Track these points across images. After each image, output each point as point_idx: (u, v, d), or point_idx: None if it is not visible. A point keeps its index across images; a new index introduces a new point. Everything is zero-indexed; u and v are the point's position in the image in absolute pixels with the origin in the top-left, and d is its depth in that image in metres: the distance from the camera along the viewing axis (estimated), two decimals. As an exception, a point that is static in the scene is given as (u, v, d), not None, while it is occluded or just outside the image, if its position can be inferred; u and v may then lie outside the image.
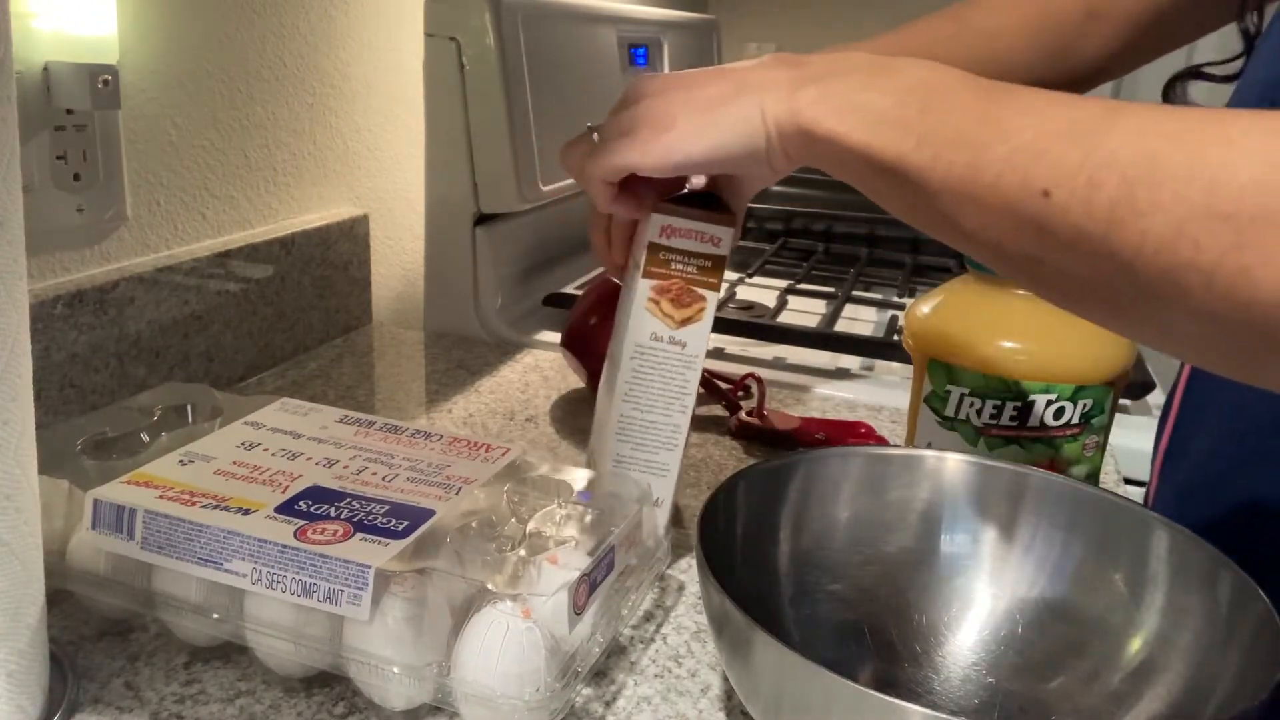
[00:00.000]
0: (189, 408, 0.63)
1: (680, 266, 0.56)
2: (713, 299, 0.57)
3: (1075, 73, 0.69)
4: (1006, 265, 0.40)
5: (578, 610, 0.47)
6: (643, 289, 0.56)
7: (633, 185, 0.53)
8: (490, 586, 0.46)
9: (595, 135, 0.53)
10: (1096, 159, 0.35)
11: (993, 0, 0.70)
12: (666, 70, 1.39)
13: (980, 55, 0.68)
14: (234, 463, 0.54)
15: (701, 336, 0.57)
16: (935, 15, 0.70)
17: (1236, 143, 0.32)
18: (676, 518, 0.68)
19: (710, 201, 0.58)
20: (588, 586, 0.48)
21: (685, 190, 0.58)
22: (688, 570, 0.62)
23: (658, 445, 0.58)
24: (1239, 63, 0.58)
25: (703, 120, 0.48)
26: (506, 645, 0.44)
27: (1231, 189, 0.31)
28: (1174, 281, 0.33)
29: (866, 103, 0.43)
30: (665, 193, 0.56)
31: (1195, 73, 0.63)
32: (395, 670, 0.45)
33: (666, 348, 0.57)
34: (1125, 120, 0.35)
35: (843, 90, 0.44)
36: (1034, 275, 0.39)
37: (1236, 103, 0.56)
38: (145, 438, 0.59)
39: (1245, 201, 0.31)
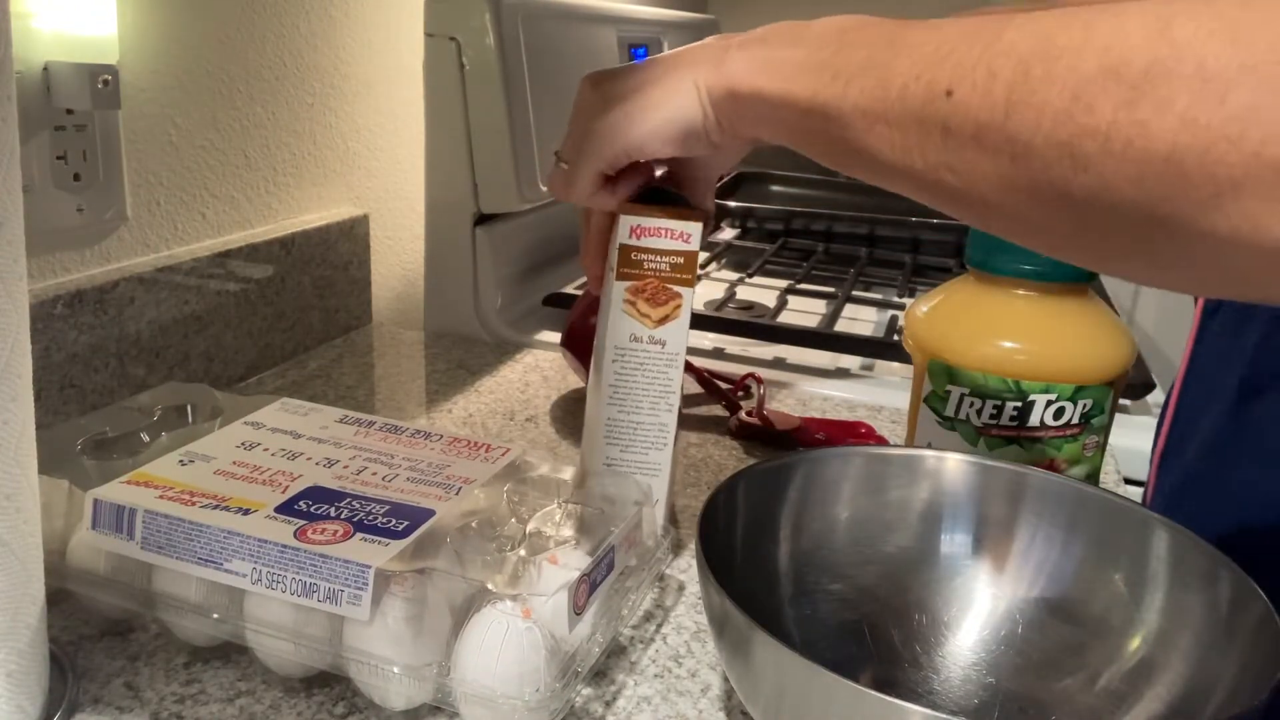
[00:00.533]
0: (189, 408, 0.63)
1: (653, 265, 0.57)
2: (688, 295, 0.57)
3: None
4: (921, 186, 0.40)
5: (578, 610, 0.47)
6: (618, 291, 0.57)
7: (610, 188, 0.56)
8: (490, 586, 0.46)
9: (557, 156, 0.56)
10: (995, 50, 0.35)
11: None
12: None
13: None
14: (234, 463, 0.54)
15: (680, 333, 0.57)
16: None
17: (1129, 13, 0.32)
18: (674, 516, 0.68)
19: (679, 201, 0.58)
20: (588, 586, 0.48)
21: (652, 189, 0.58)
22: (688, 570, 0.62)
23: (647, 445, 0.59)
24: None
25: (642, 102, 0.50)
26: (506, 645, 0.44)
27: (1124, 49, 0.31)
28: (1072, 152, 0.33)
29: (787, 56, 0.45)
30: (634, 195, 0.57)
31: None
32: (395, 670, 0.45)
33: (647, 348, 0.57)
34: (1025, 16, 0.36)
35: (765, 50, 0.46)
36: (949, 191, 0.39)
37: None
38: (145, 438, 0.59)
39: (1137, 57, 0.31)
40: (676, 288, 0.57)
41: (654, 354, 0.57)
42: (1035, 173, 0.34)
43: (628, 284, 0.57)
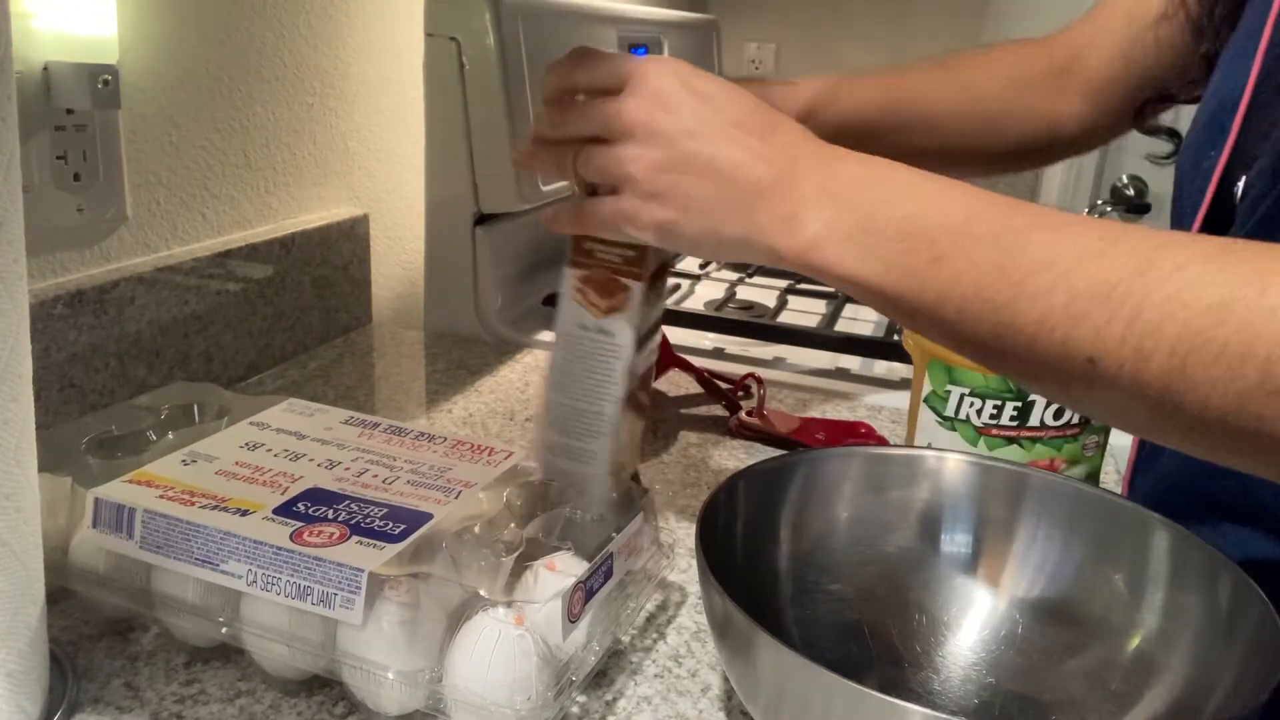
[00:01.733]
0: (196, 407, 0.63)
1: (604, 256, 0.57)
2: (637, 289, 0.57)
3: (1057, 136, 0.70)
4: (1063, 403, 0.41)
5: (572, 618, 0.47)
6: (569, 278, 0.57)
7: None
8: (483, 593, 0.46)
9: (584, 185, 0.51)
10: (1140, 330, 0.35)
11: (973, 55, 0.71)
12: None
13: (964, 109, 0.69)
14: (236, 463, 0.54)
15: (628, 326, 0.57)
16: (929, 62, 0.71)
17: (1273, 292, 0.33)
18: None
19: None
20: (583, 594, 0.48)
21: None
22: (687, 570, 0.62)
23: (584, 433, 0.59)
24: (1203, 86, 0.59)
25: (705, 231, 0.46)
26: (498, 652, 0.44)
27: None
28: (1245, 440, 0.34)
29: (873, 245, 0.41)
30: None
31: (1163, 96, 0.64)
32: (388, 676, 0.45)
33: (593, 337, 0.58)
34: (1163, 283, 0.35)
35: (847, 229, 0.42)
36: (1096, 414, 0.40)
37: (1193, 127, 0.57)
38: (152, 436, 0.59)
39: None
40: (626, 280, 0.57)
41: (599, 343, 0.58)
42: (1205, 436, 0.36)
43: (579, 272, 0.57)
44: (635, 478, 0.65)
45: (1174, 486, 0.58)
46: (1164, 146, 0.69)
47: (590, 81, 0.49)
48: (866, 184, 0.43)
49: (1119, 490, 0.75)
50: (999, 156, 0.71)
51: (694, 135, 0.45)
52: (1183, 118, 0.61)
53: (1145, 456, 0.63)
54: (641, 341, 0.58)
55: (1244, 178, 0.51)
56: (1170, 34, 0.64)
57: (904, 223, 0.41)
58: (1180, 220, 0.57)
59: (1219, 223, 0.53)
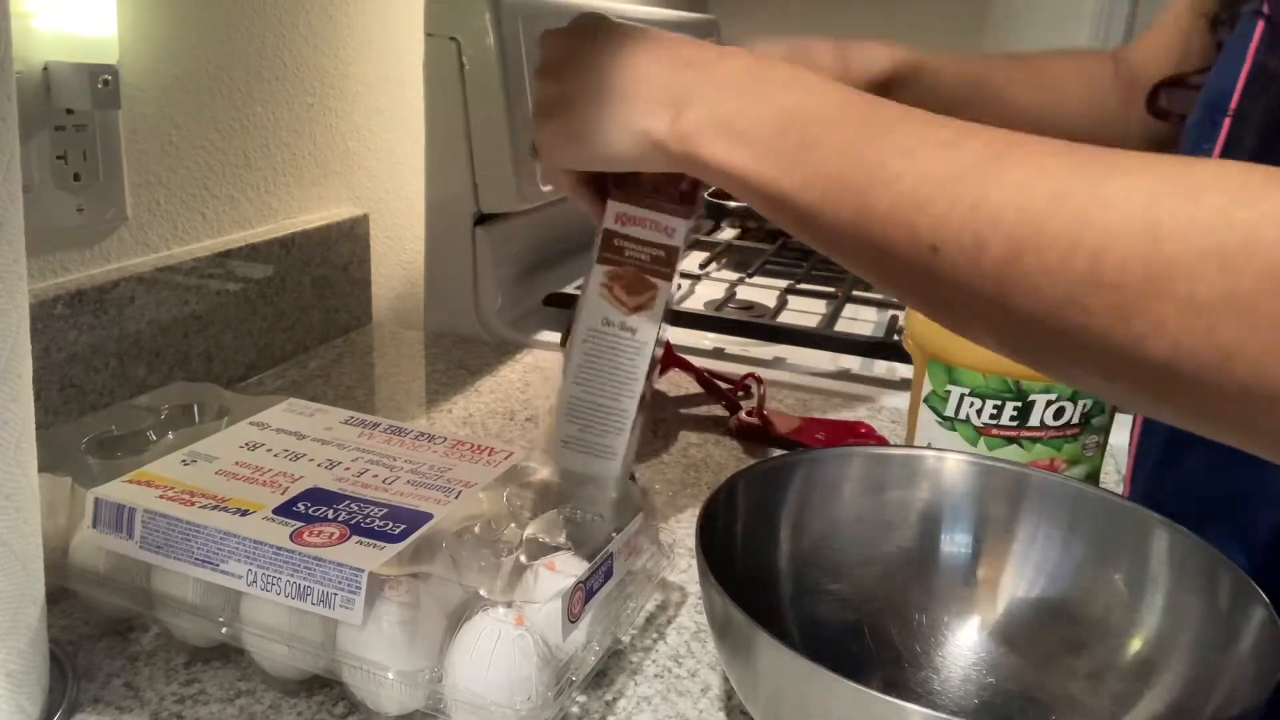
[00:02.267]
0: (196, 407, 0.63)
1: (633, 254, 0.57)
2: (665, 288, 0.58)
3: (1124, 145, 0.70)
4: (908, 300, 0.42)
5: (572, 618, 0.47)
6: (597, 274, 0.58)
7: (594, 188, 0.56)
8: (483, 593, 0.46)
9: (533, 149, 0.55)
10: (981, 215, 0.35)
11: (1054, 58, 0.72)
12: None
13: (1047, 111, 0.69)
14: (236, 463, 0.54)
15: (652, 324, 0.58)
16: (1011, 57, 0.71)
17: (1116, 205, 0.32)
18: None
19: (671, 190, 0.58)
20: (584, 594, 0.48)
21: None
22: (687, 570, 0.62)
23: (605, 429, 0.59)
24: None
25: (596, 125, 0.49)
26: (498, 653, 0.44)
27: (1113, 259, 0.32)
28: (1070, 340, 0.34)
29: (748, 130, 0.43)
30: (625, 178, 0.58)
31: (1176, 81, 0.64)
32: (388, 676, 0.45)
33: (618, 333, 0.58)
34: (1008, 170, 0.35)
35: (723, 114, 0.44)
36: (936, 312, 0.40)
37: (1194, 115, 0.57)
38: (152, 436, 0.59)
39: (1129, 273, 0.32)
40: (654, 279, 0.57)
41: (624, 340, 0.58)
42: (1035, 335, 0.35)
43: (606, 269, 0.58)
44: (632, 476, 0.65)
45: (1175, 485, 0.58)
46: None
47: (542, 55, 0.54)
48: (748, 77, 0.44)
49: (1119, 490, 0.75)
50: None
51: (583, 62, 0.50)
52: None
53: (1143, 455, 0.63)
54: (660, 333, 0.59)
55: None
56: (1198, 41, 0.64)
57: (779, 114, 0.43)
58: None
59: None
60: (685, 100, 0.45)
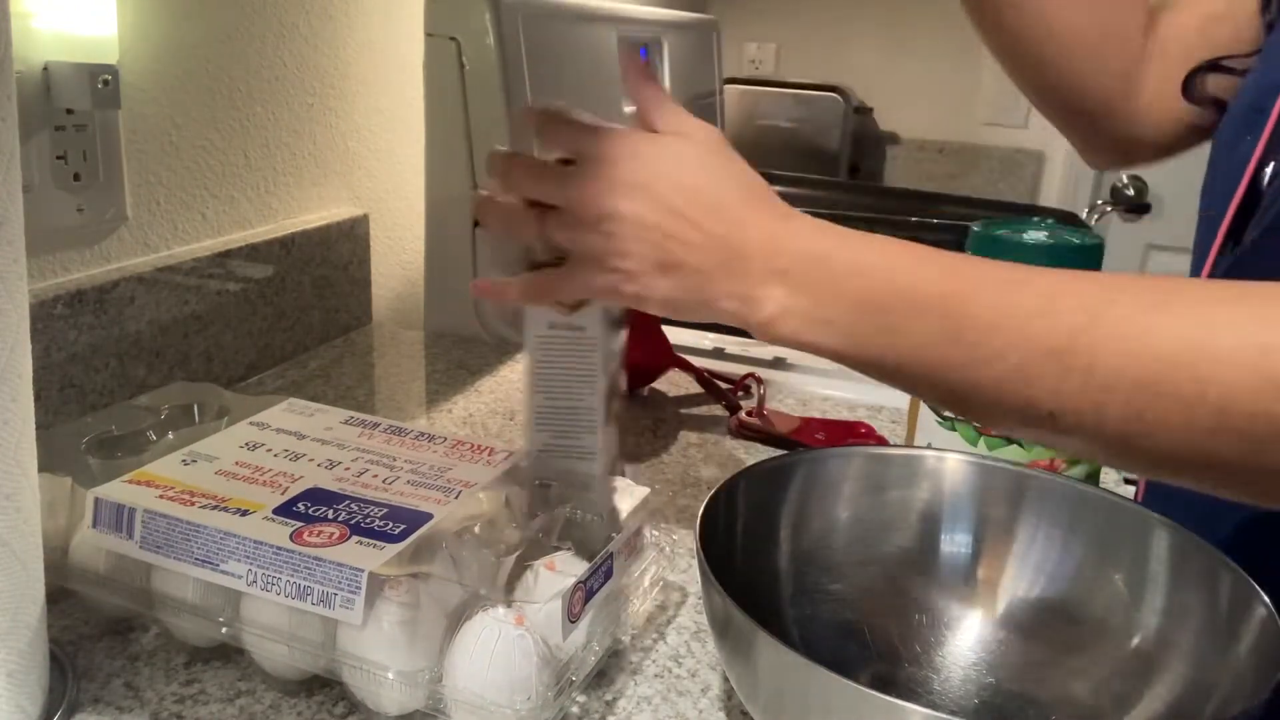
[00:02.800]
0: (196, 407, 0.63)
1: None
2: None
3: (1113, 112, 0.68)
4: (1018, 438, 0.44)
5: (572, 618, 0.47)
6: None
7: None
8: (483, 592, 0.46)
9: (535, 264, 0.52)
10: (1094, 384, 0.37)
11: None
12: (666, 78, 1.39)
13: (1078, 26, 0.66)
14: (236, 463, 0.54)
15: (598, 319, 0.57)
16: None
17: (1233, 360, 0.34)
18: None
19: None
20: (583, 594, 0.48)
21: None
22: (688, 570, 0.62)
23: (577, 430, 0.59)
24: (1254, 60, 0.58)
25: (672, 303, 0.47)
26: (497, 653, 0.44)
27: (1240, 412, 0.34)
28: (1202, 473, 0.37)
29: (830, 322, 0.43)
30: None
31: (1214, 65, 0.63)
32: (388, 675, 0.45)
33: (566, 334, 0.58)
34: (1108, 338, 0.37)
35: (803, 307, 0.44)
36: (1058, 447, 0.42)
37: (1235, 104, 0.56)
38: (152, 436, 0.59)
39: (1257, 423, 0.34)
40: None
41: (574, 340, 0.58)
42: (1161, 471, 0.39)
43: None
44: (621, 471, 0.65)
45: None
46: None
47: (556, 148, 0.51)
48: (813, 260, 0.44)
49: (1121, 490, 0.75)
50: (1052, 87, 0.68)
51: (645, 228, 0.46)
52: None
53: None
54: (611, 323, 0.58)
55: (1272, 164, 0.51)
56: (1245, 18, 0.61)
57: (855, 294, 0.42)
58: (1211, 200, 0.56)
59: (1249, 208, 0.53)
60: (757, 291, 0.44)
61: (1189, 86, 0.64)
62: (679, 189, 0.46)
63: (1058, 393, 0.37)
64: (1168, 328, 0.36)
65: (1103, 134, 0.69)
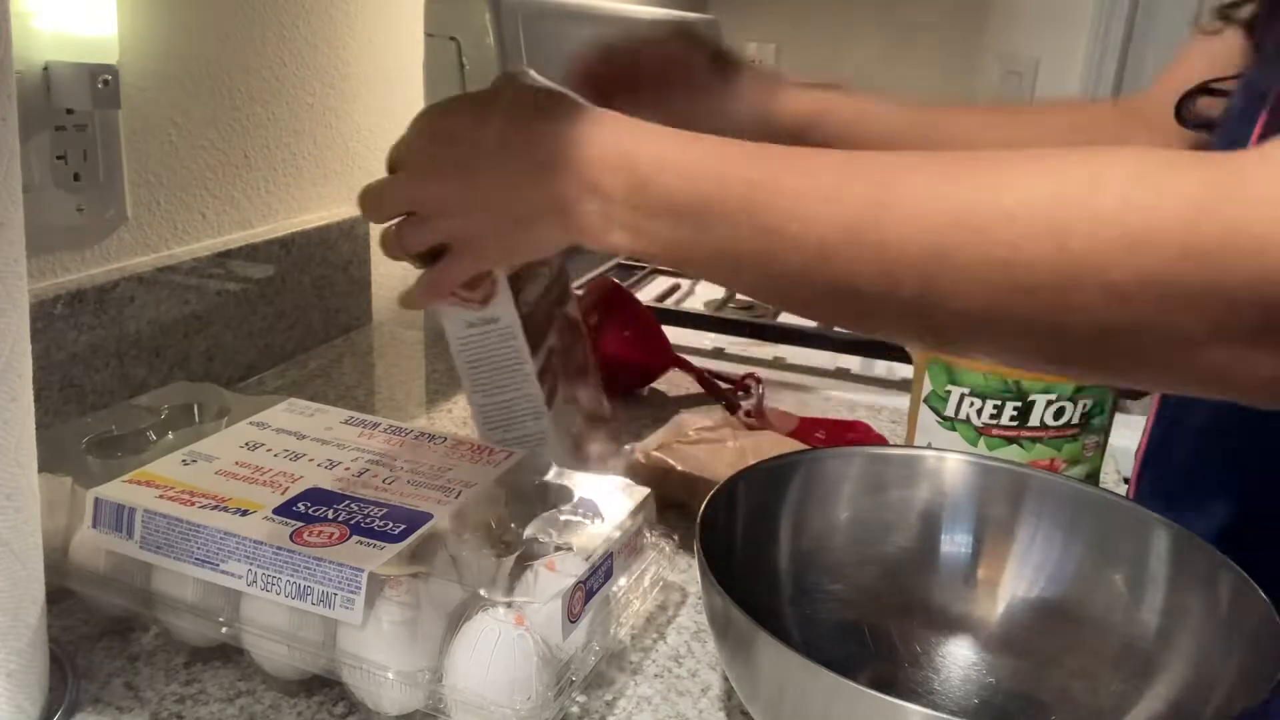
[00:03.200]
0: (196, 407, 0.63)
1: None
2: (500, 269, 0.57)
3: None
4: (836, 325, 0.45)
5: (572, 618, 0.47)
6: None
7: None
8: (483, 593, 0.46)
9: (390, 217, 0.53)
10: (888, 257, 0.37)
11: (1026, 108, 0.70)
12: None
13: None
14: (236, 463, 0.54)
15: (507, 307, 0.58)
16: (972, 108, 0.71)
17: (1018, 216, 0.34)
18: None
19: None
20: (583, 594, 0.48)
21: None
22: (687, 570, 0.62)
23: (522, 418, 0.59)
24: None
25: (512, 242, 0.50)
26: (498, 652, 0.44)
27: (1022, 265, 0.34)
28: (999, 337, 0.37)
29: (645, 227, 0.44)
30: None
31: (1204, 89, 0.63)
32: (388, 676, 0.45)
33: (482, 330, 0.58)
34: (896, 209, 0.37)
35: (618, 215, 0.45)
36: (865, 331, 0.43)
37: (1226, 115, 0.57)
38: (152, 436, 0.59)
39: (1038, 274, 0.34)
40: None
41: (490, 332, 0.58)
42: (963, 338, 0.39)
43: None
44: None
45: (1182, 478, 0.58)
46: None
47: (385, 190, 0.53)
48: (619, 166, 0.45)
49: (1120, 489, 0.75)
50: None
51: (455, 188, 0.50)
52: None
53: (1154, 450, 0.62)
54: (534, 306, 0.58)
55: None
56: (1229, 49, 0.63)
57: (664, 200, 0.43)
58: None
59: None
60: (573, 206, 0.46)
61: (1181, 111, 0.65)
62: (436, 138, 0.50)
63: (854, 271, 0.37)
64: (956, 194, 0.36)
65: None
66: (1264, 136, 0.52)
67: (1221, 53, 0.64)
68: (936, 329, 0.38)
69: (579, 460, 0.62)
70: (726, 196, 0.41)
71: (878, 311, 0.39)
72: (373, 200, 0.53)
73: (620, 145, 0.45)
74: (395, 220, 0.52)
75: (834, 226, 0.38)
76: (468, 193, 0.49)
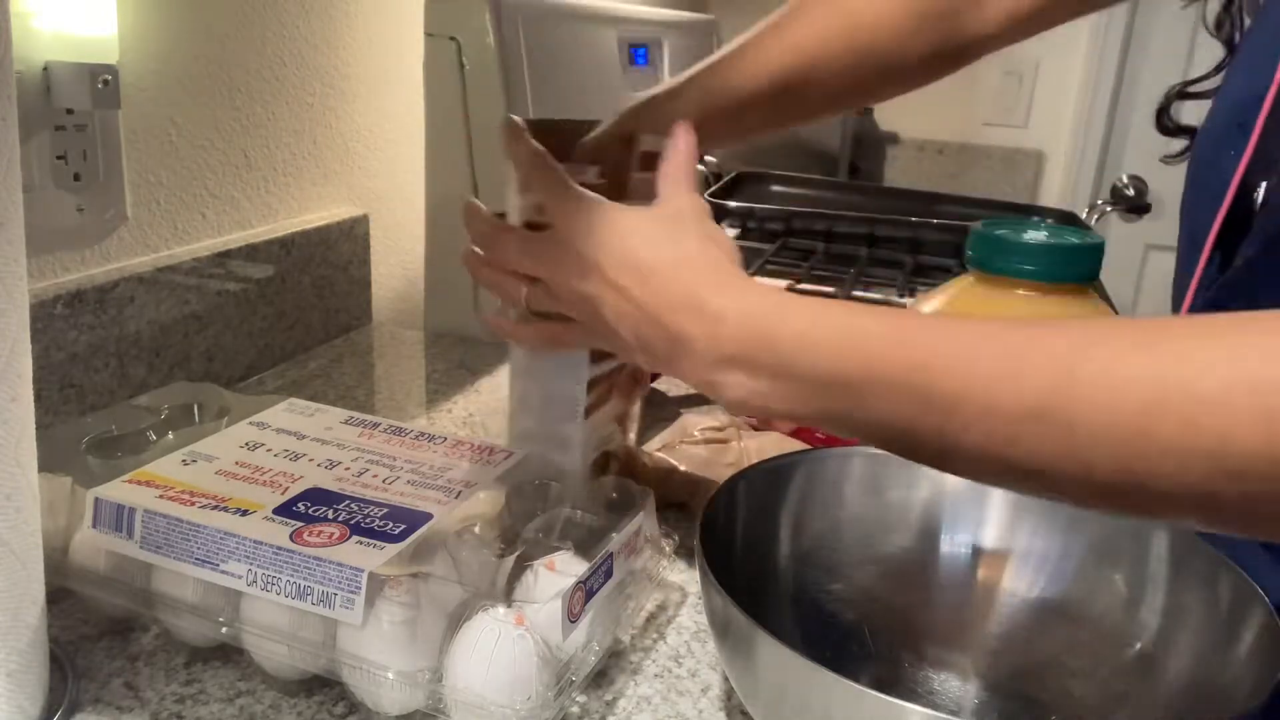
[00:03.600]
0: (196, 407, 0.63)
1: None
2: None
3: (960, 52, 0.66)
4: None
5: (572, 618, 0.47)
6: None
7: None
8: (483, 593, 0.46)
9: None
10: (1078, 443, 0.35)
11: None
12: (665, 70, 1.39)
13: (862, 47, 0.63)
14: (236, 463, 0.54)
15: None
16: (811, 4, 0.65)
17: (1222, 402, 0.32)
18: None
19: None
20: (583, 594, 0.48)
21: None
22: (687, 570, 0.62)
23: (559, 419, 0.59)
24: (1220, 77, 0.58)
25: (636, 359, 0.48)
26: (498, 652, 0.44)
27: (1234, 449, 0.32)
28: (1202, 515, 0.35)
29: (796, 398, 0.41)
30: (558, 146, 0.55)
31: (1182, 93, 0.63)
32: (388, 676, 0.45)
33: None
34: (1086, 393, 0.35)
35: (765, 390, 0.42)
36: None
37: (1211, 121, 0.56)
38: (152, 436, 0.59)
39: (1255, 462, 0.32)
40: None
41: None
42: (1168, 512, 0.36)
43: None
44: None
45: None
46: (1177, 145, 0.65)
47: (527, 193, 0.53)
48: (757, 343, 0.42)
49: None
50: (898, 79, 0.66)
51: (608, 309, 0.47)
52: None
53: None
54: None
55: (1264, 184, 0.50)
56: None
57: (810, 375, 0.41)
58: (1194, 217, 0.56)
59: (1236, 224, 0.52)
60: (717, 377, 0.43)
61: (1161, 118, 0.64)
62: (623, 268, 0.46)
63: (1038, 453, 0.35)
64: (1147, 376, 0.34)
65: (946, 63, 0.67)
66: (1258, 153, 0.51)
67: None
68: (1133, 508, 0.36)
69: (588, 477, 0.61)
70: (881, 374, 0.39)
71: (1067, 493, 0.37)
72: (496, 241, 0.53)
73: (749, 318, 0.43)
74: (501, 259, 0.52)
75: (1011, 412, 0.36)
76: (620, 322, 0.47)
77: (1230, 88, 0.55)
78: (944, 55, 0.65)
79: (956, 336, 0.38)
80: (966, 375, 0.37)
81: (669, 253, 0.46)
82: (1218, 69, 0.59)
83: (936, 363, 0.37)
